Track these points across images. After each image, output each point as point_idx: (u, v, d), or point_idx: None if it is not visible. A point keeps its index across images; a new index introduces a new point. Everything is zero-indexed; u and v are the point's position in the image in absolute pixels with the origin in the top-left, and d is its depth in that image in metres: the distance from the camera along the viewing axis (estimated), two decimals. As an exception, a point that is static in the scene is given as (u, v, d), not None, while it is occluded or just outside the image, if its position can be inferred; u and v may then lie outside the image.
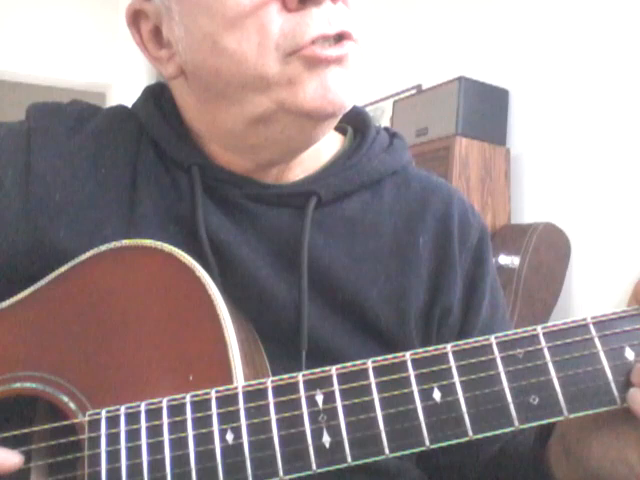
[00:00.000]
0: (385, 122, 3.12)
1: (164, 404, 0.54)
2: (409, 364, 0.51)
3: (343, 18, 0.65)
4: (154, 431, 0.54)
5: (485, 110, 2.71)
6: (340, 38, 0.65)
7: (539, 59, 2.68)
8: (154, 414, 0.54)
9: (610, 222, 2.34)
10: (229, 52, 0.64)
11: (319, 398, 0.52)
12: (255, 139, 0.70)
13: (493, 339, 0.51)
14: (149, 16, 0.71)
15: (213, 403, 0.53)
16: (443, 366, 0.51)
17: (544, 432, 0.63)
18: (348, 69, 0.66)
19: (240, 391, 0.53)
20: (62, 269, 0.65)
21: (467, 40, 3.02)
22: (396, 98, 3.07)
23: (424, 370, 0.51)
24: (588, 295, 2.42)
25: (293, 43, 0.63)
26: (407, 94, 3.12)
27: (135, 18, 0.72)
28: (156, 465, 0.53)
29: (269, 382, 0.53)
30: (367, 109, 3.11)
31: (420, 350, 0.52)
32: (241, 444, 0.51)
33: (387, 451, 0.50)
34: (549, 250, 2.43)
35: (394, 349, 0.56)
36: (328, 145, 0.79)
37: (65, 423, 0.58)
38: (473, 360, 0.51)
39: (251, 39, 0.63)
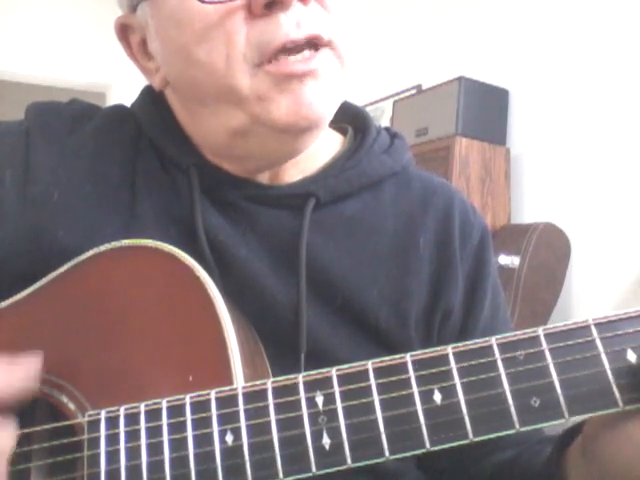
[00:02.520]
0: (385, 122, 3.11)
1: (163, 405, 0.54)
2: (409, 366, 0.51)
3: (315, 20, 0.64)
4: (153, 432, 0.54)
5: (485, 110, 2.71)
6: (311, 45, 0.63)
7: (539, 59, 2.68)
8: (153, 415, 0.54)
9: (610, 222, 2.34)
10: (201, 64, 0.64)
11: (319, 399, 0.51)
12: (237, 151, 0.71)
13: (494, 341, 0.51)
14: (135, 29, 0.72)
15: (213, 404, 0.53)
16: (444, 368, 0.50)
17: (563, 444, 0.62)
18: (324, 82, 0.65)
19: (240, 392, 0.53)
20: (61, 269, 0.65)
21: (467, 40, 3.02)
22: (396, 98, 3.07)
23: (424, 372, 0.51)
24: (588, 295, 2.41)
25: (258, 53, 0.62)
26: (407, 94, 3.12)
27: (123, 31, 0.74)
28: (155, 466, 0.52)
29: (269, 383, 0.53)
30: (367, 109, 3.11)
31: (420, 352, 0.52)
32: (241, 445, 0.51)
33: (387, 453, 0.49)
34: (549, 250, 2.43)
35: (394, 350, 0.56)
36: (327, 145, 0.79)
37: (64, 424, 0.58)
38: (474, 362, 0.50)
39: (219, 50, 0.63)
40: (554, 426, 0.50)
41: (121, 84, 4.73)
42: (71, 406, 0.58)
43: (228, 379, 0.56)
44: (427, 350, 0.52)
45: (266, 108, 0.64)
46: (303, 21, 0.62)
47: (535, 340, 0.50)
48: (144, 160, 0.74)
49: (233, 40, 0.62)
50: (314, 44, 0.64)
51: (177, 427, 0.53)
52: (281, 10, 0.62)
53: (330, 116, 0.68)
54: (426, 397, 0.50)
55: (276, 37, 0.62)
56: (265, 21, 0.62)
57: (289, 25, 0.62)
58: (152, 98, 0.78)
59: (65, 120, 0.76)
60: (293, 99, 0.63)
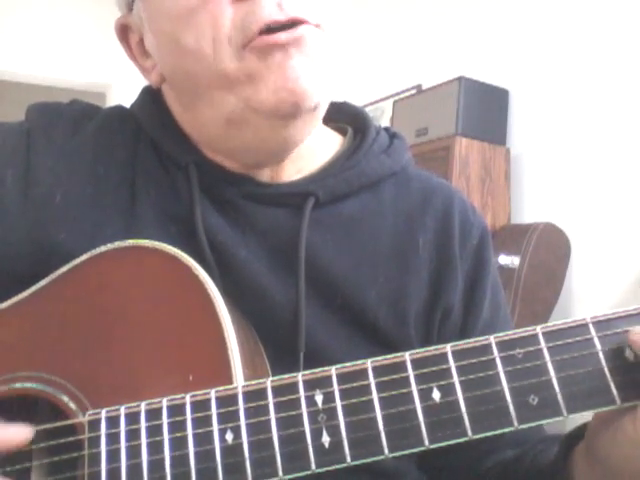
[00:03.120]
0: (385, 122, 3.11)
1: (164, 404, 0.54)
2: (408, 364, 0.51)
3: (299, 2, 0.63)
4: (154, 431, 0.54)
5: (485, 110, 2.71)
6: (294, 24, 0.63)
7: (539, 59, 2.68)
8: (154, 414, 0.54)
9: (610, 222, 2.34)
10: (189, 50, 0.64)
11: (319, 398, 0.52)
12: (232, 143, 0.70)
13: (492, 339, 0.51)
14: (134, 28, 0.73)
15: (213, 403, 0.53)
16: (442, 366, 0.51)
17: (570, 444, 0.62)
18: (309, 56, 0.64)
19: (240, 391, 0.53)
20: (62, 269, 0.65)
21: (467, 40, 3.02)
22: (396, 98, 3.07)
23: (423, 370, 0.51)
24: (588, 295, 2.41)
25: (242, 35, 0.62)
26: (407, 94, 3.12)
27: (123, 32, 0.74)
28: (156, 465, 0.53)
29: (268, 382, 0.53)
30: (367, 109, 3.11)
31: (419, 350, 0.52)
32: (241, 444, 0.51)
33: (386, 451, 0.50)
34: (549, 250, 2.43)
35: (393, 350, 0.56)
36: (327, 145, 0.79)
37: (65, 423, 0.58)
38: (472, 360, 0.51)
39: (205, 34, 0.63)
40: (553, 424, 0.51)
41: (121, 84, 4.73)
42: (72, 405, 0.58)
43: (228, 378, 0.56)
44: (426, 348, 0.52)
45: (256, 89, 0.63)
46: (285, 3, 0.62)
47: (533, 338, 0.51)
48: (144, 160, 0.74)
49: (218, 23, 0.63)
50: (296, 25, 0.64)
51: (177, 426, 0.53)
52: None
53: (320, 95, 0.66)
54: (425, 395, 0.50)
55: (258, 18, 0.62)
56: (248, 3, 0.62)
57: (270, 6, 0.62)
58: (152, 98, 0.78)
59: (66, 121, 0.77)
60: (280, 74, 0.63)
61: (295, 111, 0.65)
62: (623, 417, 0.51)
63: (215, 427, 0.52)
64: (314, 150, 0.76)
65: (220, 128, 0.69)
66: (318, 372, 0.53)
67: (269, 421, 0.52)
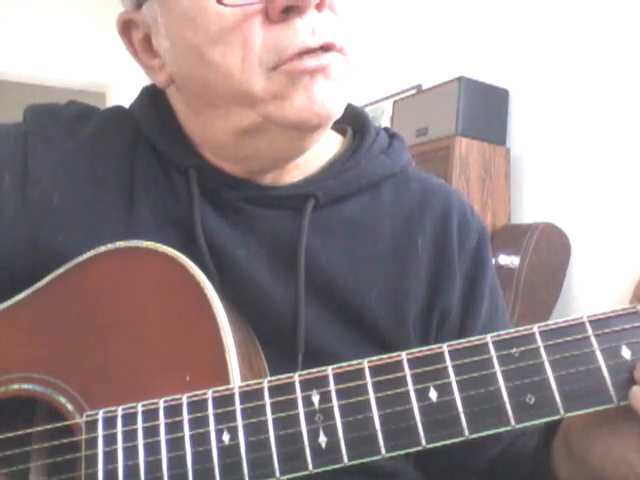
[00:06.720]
0: (385, 122, 3.11)
1: (161, 405, 0.54)
2: (405, 364, 0.51)
3: (329, 28, 0.64)
4: (151, 432, 0.54)
5: (485, 110, 2.71)
6: (324, 50, 0.64)
7: (539, 59, 2.68)
8: (151, 415, 0.54)
9: (610, 222, 2.34)
10: (215, 65, 0.64)
11: (315, 398, 0.52)
12: (244, 150, 0.70)
13: (489, 338, 0.51)
14: (139, 26, 0.71)
15: (210, 404, 0.53)
16: (439, 365, 0.51)
17: (548, 433, 0.62)
18: (334, 81, 0.66)
19: (236, 391, 0.53)
20: (59, 270, 0.65)
21: (467, 40, 3.02)
22: (396, 98, 3.07)
23: (420, 370, 0.51)
24: (588, 295, 2.41)
25: (275, 57, 0.62)
26: (407, 94, 3.12)
27: (126, 28, 0.73)
28: (153, 466, 0.53)
29: (265, 382, 0.53)
30: (367, 109, 3.11)
31: (416, 350, 0.52)
32: (237, 444, 0.51)
33: (383, 451, 0.50)
34: (549, 250, 2.43)
35: (392, 351, 0.56)
36: (327, 146, 0.79)
37: (62, 424, 0.58)
38: (469, 359, 0.50)
39: (235, 53, 0.63)
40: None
41: (121, 84, 4.73)
42: (69, 407, 0.59)
43: (225, 379, 0.56)
44: (423, 348, 0.52)
45: (280, 106, 0.64)
46: (318, 28, 0.63)
47: (530, 337, 0.50)
48: (142, 162, 0.74)
49: (250, 44, 0.63)
50: (326, 49, 0.65)
51: (174, 427, 0.53)
52: (297, 15, 0.62)
53: (337, 115, 0.68)
54: (422, 395, 0.50)
55: (293, 43, 0.62)
56: (282, 26, 0.63)
57: (305, 32, 0.62)
58: (151, 99, 0.78)
59: (63, 123, 0.76)
60: (305, 95, 0.64)
61: (315, 128, 0.66)
62: (621, 416, 0.51)
63: (212, 428, 0.52)
64: (315, 152, 0.76)
65: (232, 136, 0.69)
66: (315, 372, 0.53)
67: (266, 421, 0.52)
